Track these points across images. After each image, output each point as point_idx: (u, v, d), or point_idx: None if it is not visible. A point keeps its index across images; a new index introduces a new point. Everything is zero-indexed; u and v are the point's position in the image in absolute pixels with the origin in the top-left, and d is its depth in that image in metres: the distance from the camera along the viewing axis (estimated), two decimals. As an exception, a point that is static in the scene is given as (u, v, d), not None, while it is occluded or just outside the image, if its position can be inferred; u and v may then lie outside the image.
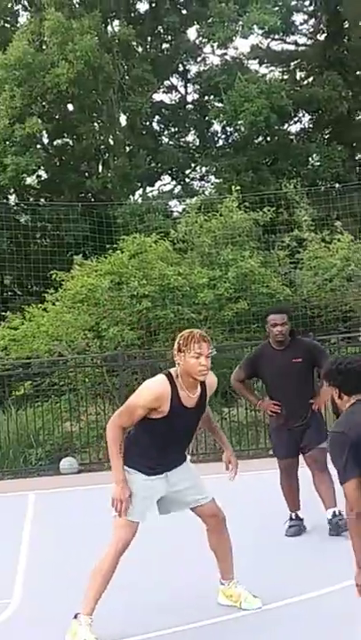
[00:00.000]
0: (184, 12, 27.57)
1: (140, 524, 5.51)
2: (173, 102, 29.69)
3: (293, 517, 7.78)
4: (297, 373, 7.67)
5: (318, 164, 27.02)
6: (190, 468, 5.79)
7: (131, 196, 26.67)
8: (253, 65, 28.59)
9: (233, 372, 8.15)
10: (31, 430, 14.15)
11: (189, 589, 6.34)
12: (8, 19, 27.43)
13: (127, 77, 26.09)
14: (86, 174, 27.32)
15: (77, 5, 25.40)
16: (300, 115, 28.86)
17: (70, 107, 26.61)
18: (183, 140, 29.68)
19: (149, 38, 28.11)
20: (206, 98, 28.33)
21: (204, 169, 28.90)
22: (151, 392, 5.37)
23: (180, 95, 29.80)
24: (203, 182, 29.55)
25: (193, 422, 5.65)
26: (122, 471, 5.38)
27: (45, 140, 27.22)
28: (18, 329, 15.42)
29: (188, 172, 29.04)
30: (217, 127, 28.02)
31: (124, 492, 5.35)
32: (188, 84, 29.44)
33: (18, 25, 26.46)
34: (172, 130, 29.69)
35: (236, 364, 8.61)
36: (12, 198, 27.02)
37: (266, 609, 5.74)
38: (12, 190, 26.31)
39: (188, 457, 5.88)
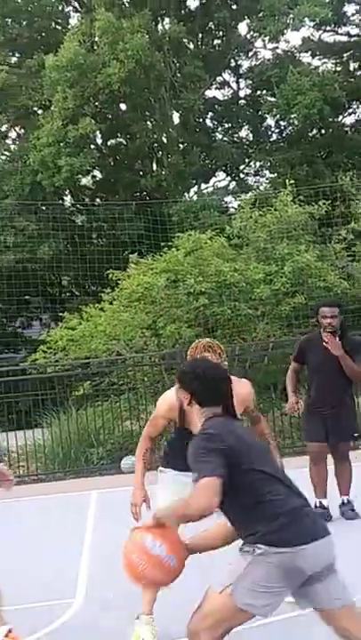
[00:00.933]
0: (234, 7, 27.51)
1: None
2: (226, 98, 29.67)
3: (318, 505, 7.87)
4: (338, 366, 7.96)
5: (374, 155, 26.79)
6: None
7: (185, 194, 26.72)
8: (305, 57, 28.42)
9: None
10: (92, 430, 14.20)
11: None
12: (59, 21, 27.68)
13: (179, 75, 26.10)
14: (140, 173, 27.41)
15: (127, 5, 25.50)
16: (355, 106, 28.62)
17: (123, 106, 26.75)
18: (237, 135, 29.67)
19: (200, 35, 28.12)
20: (259, 92, 28.27)
21: (258, 164, 28.82)
22: (165, 403, 5.50)
23: (232, 91, 29.78)
24: (257, 177, 29.55)
25: None
26: (141, 477, 5.51)
27: (99, 141, 27.41)
28: (76, 329, 15.50)
29: (242, 167, 28.99)
30: (270, 121, 27.99)
31: (140, 495, 5.46)
32: (241, 80, 29.42)
33: (69, 27, 26.66)
34: (226, 126, 29.67)
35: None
36: (68, 199, 27.28)
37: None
38: (68, 191, 26.56)
39: None
